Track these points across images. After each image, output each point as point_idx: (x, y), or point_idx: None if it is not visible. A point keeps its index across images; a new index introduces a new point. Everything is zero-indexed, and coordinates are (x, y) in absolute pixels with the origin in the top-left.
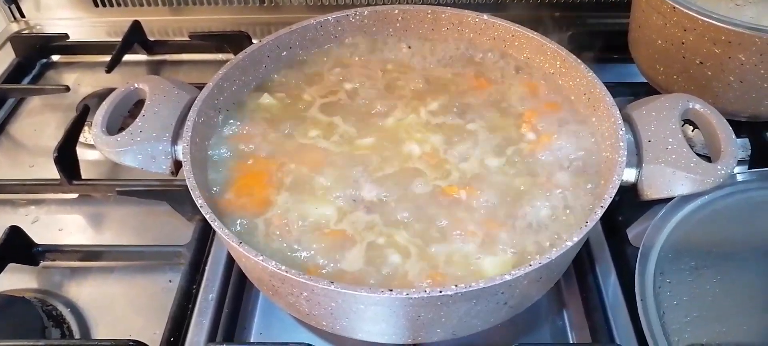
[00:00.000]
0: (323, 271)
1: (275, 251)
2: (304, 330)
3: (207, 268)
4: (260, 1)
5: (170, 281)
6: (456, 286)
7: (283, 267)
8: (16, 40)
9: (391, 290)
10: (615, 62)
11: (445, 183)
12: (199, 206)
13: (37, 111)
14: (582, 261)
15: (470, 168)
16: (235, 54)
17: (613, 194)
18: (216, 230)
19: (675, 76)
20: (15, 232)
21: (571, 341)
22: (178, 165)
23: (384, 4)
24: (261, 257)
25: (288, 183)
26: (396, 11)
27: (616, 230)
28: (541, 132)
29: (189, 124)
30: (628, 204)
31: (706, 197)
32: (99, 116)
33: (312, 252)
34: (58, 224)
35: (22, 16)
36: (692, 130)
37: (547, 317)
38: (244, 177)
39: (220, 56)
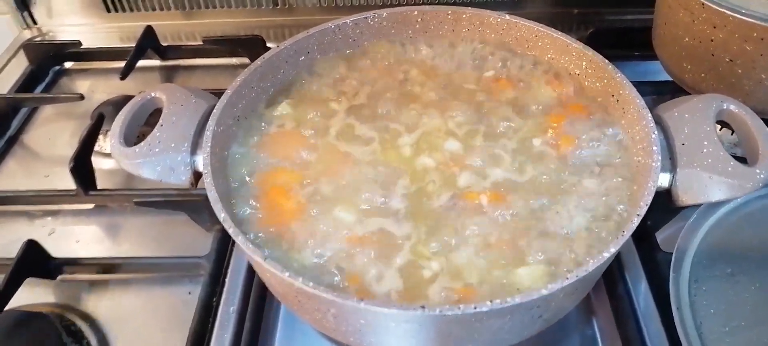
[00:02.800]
0: (349, 284)
1: (299, 262)
2: (327, 343)
3: (227, 279)
4: (274, 4)
5: (190, 293)
6: (491, 302)
7: (311, 284)
8: (29, 47)
9: (423, 308)
10: (637, 59)
11: (470, 190)
12: (221, 219)
13: (51, 119)
14: (611, 269)
15: (495, 174)
16: (250, 58)
17: (649, 201)
18: (240, 244)
19: (703, 75)
20: (32, 246)
21: None
22: (197, 175)
23: (401, 5)
24: (287, 273)
25: (310, 192)
26: (415, 12)
27: (645, 235)
28: (568, 136)
29: (208, 133)
30: (657, 208)
31: (739, 200)
32: (116, 127)
33: (336, 263)
34: (75, 236)
35: (35, 22)
36: (720, 130)
37: (576, 328)
38: (265, 187)
39: (234, 60)
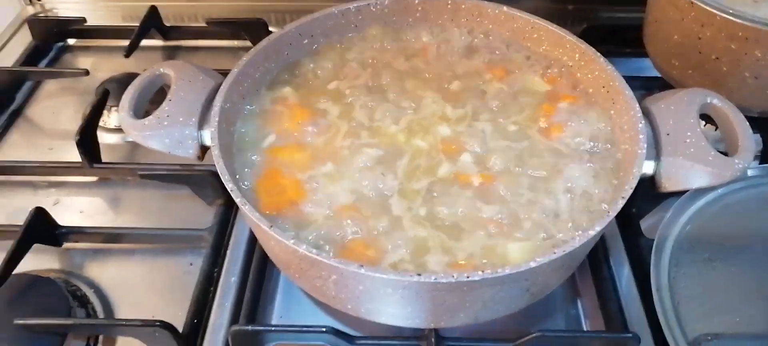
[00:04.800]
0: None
1: (299, 233)
2: (323, 313)
3: (228, 251)
4: None
5: (191, 264)
6: (483, 272)
7: (314, 250)
8: (33, 23)
9: (419, 275)
10: (628, 56)
11: (465, 171)
12: (229, 189)
13: (55, 94)
14: (596, 251)
15: (489, 157)
16: (252, 41)
17: (634, 185)
18: (246, 213)
19: (690, 71)
20: (40, 213)
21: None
22: (203, 149)
23: None
24: (292, 240)
25: (311, 169)
26: (416, 1)
27: (630, 222)
28: (560, 123)
29: (216, 109)
30: (641, 196)
31: (719, 190)
32: (126, 100)
33: (334, 235)
34: (79, 207)
35: None
36: (704, 125)
37: (561, 307)
38: (267, 162)
39: (236, 43)
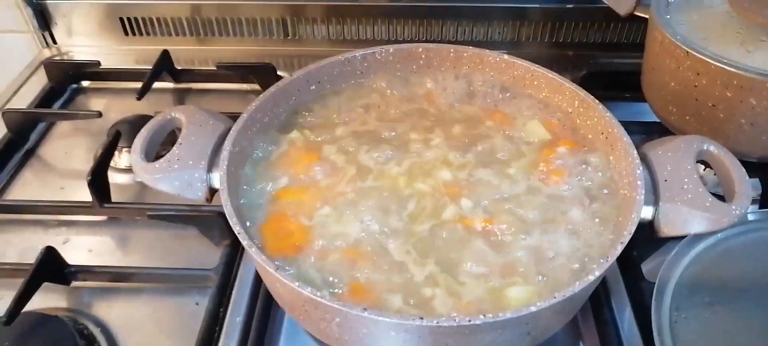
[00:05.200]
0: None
1: (305, 276)
2: None
3: (234, 291)
4: (284, 34)
5: (197, 303)
6: (484, 316)
7: (318, 293)
8: (50, 65)
9: (421, 319)
10: (627, 100)
11: (466, 216)
12: (236, 232)
13: (67, 135)
14: (598, 295)
15: (489, 203)
16: (260, 84)
17: (633, 231)
18: (252, 255)
19: (687, 118)
20: (50, 252)
21: None
22: (212, 192)
23: (406, 41)
24: (297, 284)
25: (317, 212)
26: (420, 49)
27: (631, 265)
28: (559, 169)
29: (225, 153)
30: (642, 240)
31: (720, 235)
32: (138, 143)
33: (341, 279)
34: (88, 245)
35: (55, 42)
36: (703, 170)
37: None
38: (273, 205)
39: (245, 86)
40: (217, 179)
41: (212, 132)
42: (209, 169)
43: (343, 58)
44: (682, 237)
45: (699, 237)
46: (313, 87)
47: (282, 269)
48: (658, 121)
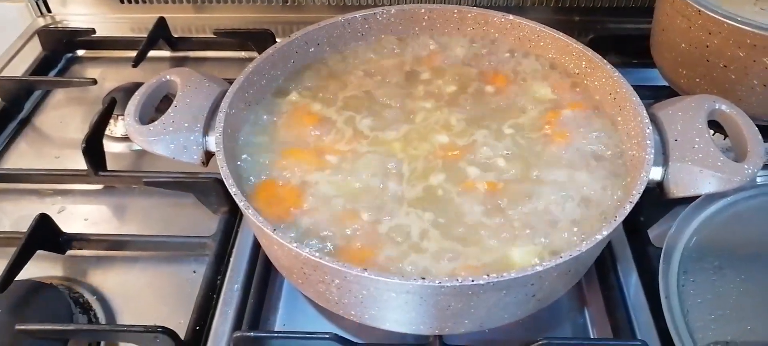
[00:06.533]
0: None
1: (303, 239)
2: (326, 321)
3: (232, 259)
4: (283, 1)
5: (194, 271)
6: (488, 275)
7: (317, 254)
8: (43, 33)
9: (423, 279)
10: (635, 66)
11: (470, 178)
12: (233, 193)
13: (62, 104)
14: (604, 260)
15: (495, 164)
16: (259, 51)
17: (641, 190)
18: (250, 217)
19: (698, 80)
20: (44, 220)
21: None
22: (208, 155)
23: (409, 2)
24: (295, 245)
25: (315, 175)
26: (422, 10)
27: (638, 230)
28: (567, 130)
29: (221, 115)
30: (649, 205)
31: (728, 199)
32: (132, 106)
33: (339, 241)
34: (84, 214)
35: (49, 10)
36: (712, 134)
37: (568, 315)
38: (271, 168)
39: (243, 54)
40: (212, 142)
41: (208, 95)
42: (205, 132)
43: (343, 19)
44: (691, 200)
45: (707, 202)
46: (312, 49)
47: (279, 231)
48: (667, 85)
